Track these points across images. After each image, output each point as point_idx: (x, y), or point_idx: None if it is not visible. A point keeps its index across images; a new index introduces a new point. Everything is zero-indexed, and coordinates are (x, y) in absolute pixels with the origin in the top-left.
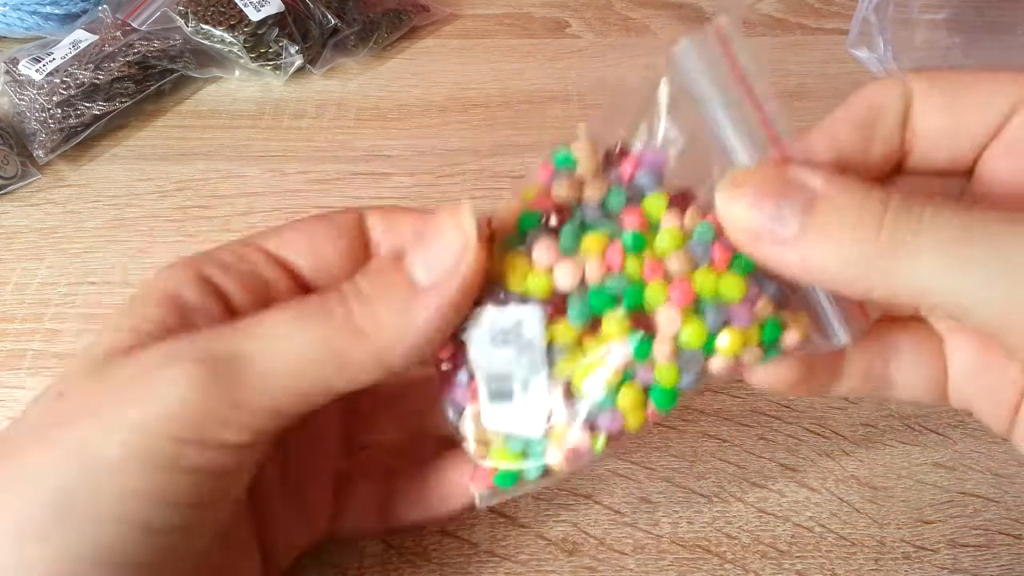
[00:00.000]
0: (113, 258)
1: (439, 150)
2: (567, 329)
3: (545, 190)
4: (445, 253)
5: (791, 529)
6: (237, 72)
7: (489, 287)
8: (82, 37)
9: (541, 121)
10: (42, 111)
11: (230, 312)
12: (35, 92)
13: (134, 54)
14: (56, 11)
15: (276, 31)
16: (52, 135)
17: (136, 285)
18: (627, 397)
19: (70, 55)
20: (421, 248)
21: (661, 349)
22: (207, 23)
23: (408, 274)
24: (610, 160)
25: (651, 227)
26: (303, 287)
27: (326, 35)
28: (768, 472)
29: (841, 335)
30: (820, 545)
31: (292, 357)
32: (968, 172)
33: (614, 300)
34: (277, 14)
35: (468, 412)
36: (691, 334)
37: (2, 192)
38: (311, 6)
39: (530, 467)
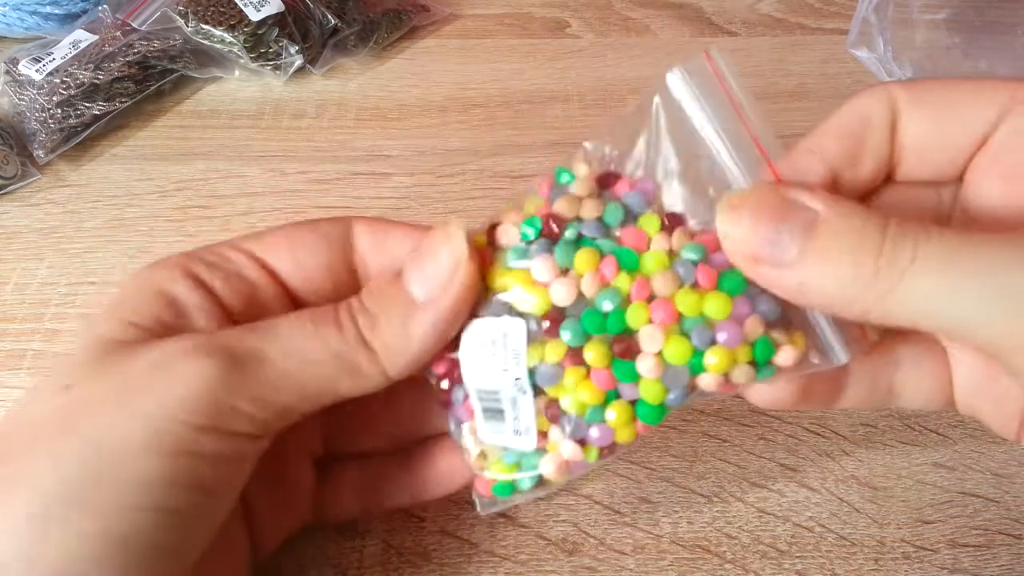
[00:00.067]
0: (113, 258)
1: (439, 150)
2: (558, 346)
3: (545, 204)
4: (439, 271)
5: (791, 529)
6: (237, 72)
7: (486, 300)
8: (82, 37)
9: (541, 121)
10: (42, 111)
11: (221, 309)
12: (35, 92)
13: (134, 54)
14: (56, 11)
15: (276, 31)
16: (52, 135)
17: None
18: (615, 413)
19: (70, 55)
20: (416, 266)
21: (645, 366)
22: (207, 23)
23: (406, 291)
24: (606, 181)
25: (647, 247)
26: (286, 290)
27: (326, 35)
28: (768, 472)
29: (840, 354)
30: (820, 545)
31: (307, 363)
32: (959, 179)
33: (604, 323)
34: (277, 14)
35: (465, 427)
36: (674, 352)
37: (2, 192)
38: (311, 6)
39: (525, 479)
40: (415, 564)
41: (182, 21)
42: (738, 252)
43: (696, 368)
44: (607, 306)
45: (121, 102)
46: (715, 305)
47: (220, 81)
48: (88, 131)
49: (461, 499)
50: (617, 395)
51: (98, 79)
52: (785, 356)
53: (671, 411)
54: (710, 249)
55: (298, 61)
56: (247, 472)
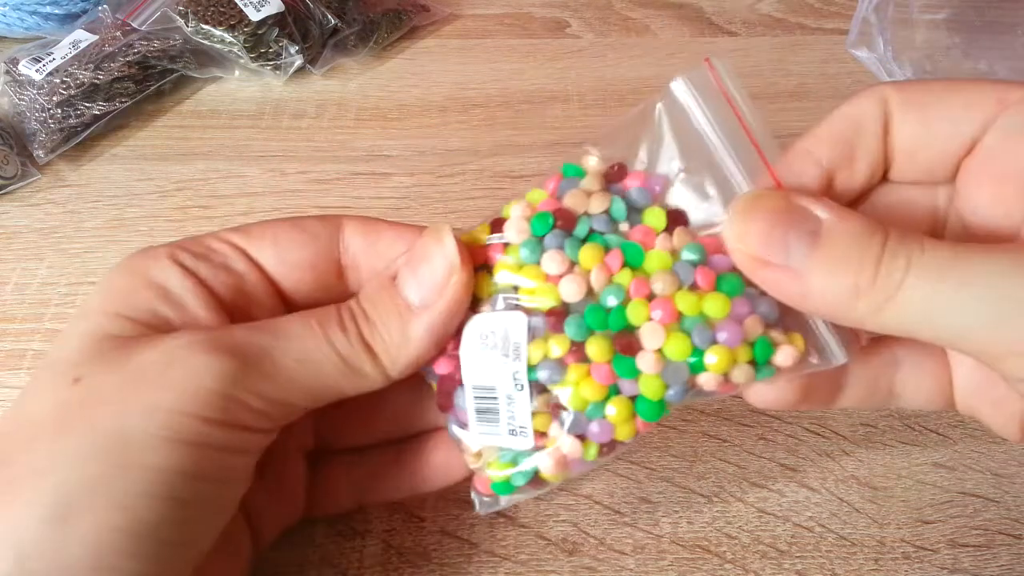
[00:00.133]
0: (113, 258)
1: (439, 150)
2: (562, 341)
3: (551, 199)
4: (433, 276)
5: (791, 529)
6: (237, 72)
7: (488, 295)
8: (82, 37)
9: (541, 121)
10: (42, 111)
11: (213, 297)
12: (35, 92)
13: (134, 54)
14: (56, 11)
15: (276, 31)
16: (52, 135)
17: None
18: (615, 409)
19: (70, 55)
20: (411, 271)
21: (645, 362)
22: (207, 23)
23: (402, 296)
24: (614, 176)
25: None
26: (271, 283)
27: (326, 35)
28: (768, 472)
29: (838, 354)
30: (820, 545)
31: (313, 363)
32: (952, 180)
33: (606, 319)
34: (277, 14)
35: (464, 427)
36: (674, 348)
37: (2, 192)
38: (311, 6)
39: (523, 475)
40: (415, 564)
41: (182, 21)
42: (745, 255)
43: (696, 367)
44: (611, 302)
45: (121, 102)
46: (714, 305)
47: (220, 81)
48: (88, 131)
49: (461, 499)
50: (617, 391)
51: (98, 79)
52: (784, 356)
53: (670, 409)
54: (710, 250)
55: (298, 61)
56: (253, 464)
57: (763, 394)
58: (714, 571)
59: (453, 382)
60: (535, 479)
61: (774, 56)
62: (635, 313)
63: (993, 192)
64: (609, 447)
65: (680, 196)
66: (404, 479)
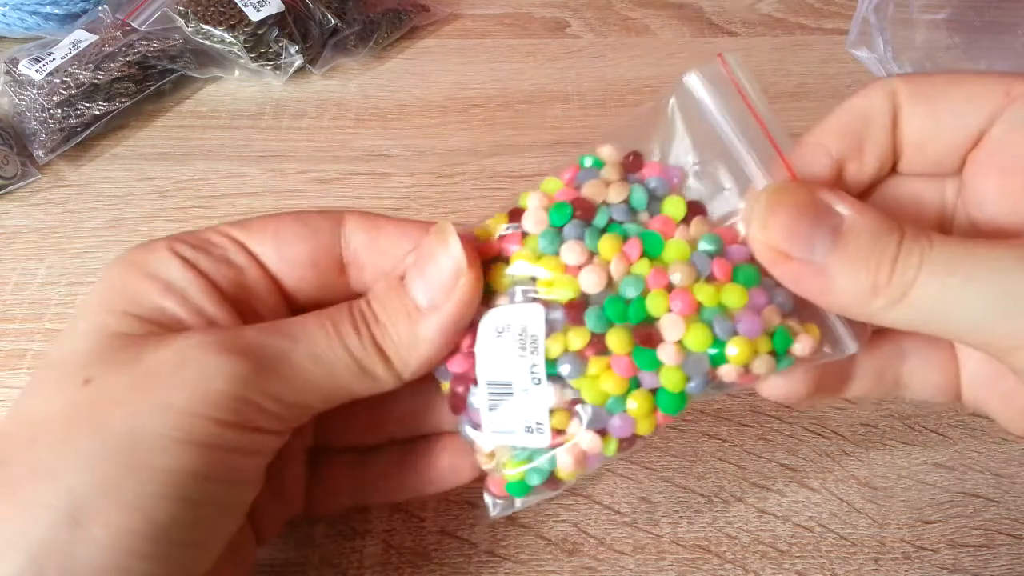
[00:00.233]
0: (113, 258)
1: (439, 150)
2: (582, 333)
3: (567, 188)
4: (441, 276)
5: (791, 529)
6: (237, 72)
7: (504, 289)
8: (82, 37)
9: (541, 121)
10: (42, 111)
11: (216, 290)
12: (35, 92)
13: (134, 54)
14: (56, 11)
15: (276, 31)
16: (52, 135)
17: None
18: (636, 403)
19: (70, 55)
20: (419, 272)
21: (666, 353)
22: (207, 23)
23: (410, 297)
24: (632, 166)
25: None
26: (272, 278)
27: (326, 35)
28: (768, 472)
29: (850, 344)
30: (820, 545)
31: (326, 365)
32: (959, 172)
33: (626, 311)
34: (277, 14)
35: (477, 427)
36: (695, 339)
37: (2, 192)
38: (311, 6)
39: (539, 473)
40: (415, 564)
41: (182, 21)
42: (766, 248)
43: (717, 359)
44: (630, 293)
45: (121, 102)
46: (733, 295)
47: (220, 81)
48: (88, 131)
49: (461, 499)
50: (638, 385)
51: (98, 79)
52: (803, 345)
53: (690, 401)
54: (725, 241)
55: (298, 61)
56: (264, 466)
57: (776, 387)
58: (714, 571)
59: (467, 381)
60: (551, 478)
61: (774, 56)
62: (654, 304)
63: (1000, 185)
64: (629, 442)
65: (695, 189)
66: (409, 480)
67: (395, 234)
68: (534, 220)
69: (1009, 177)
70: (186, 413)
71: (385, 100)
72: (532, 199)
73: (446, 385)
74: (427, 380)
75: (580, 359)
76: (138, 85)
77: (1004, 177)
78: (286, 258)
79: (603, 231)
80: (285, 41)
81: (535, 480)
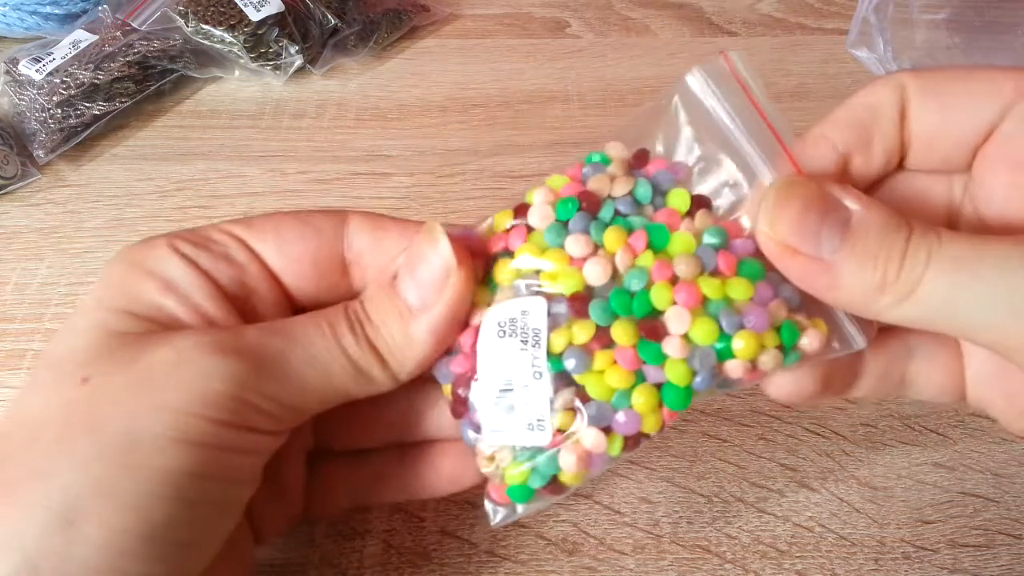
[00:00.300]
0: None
1: (439, 150)
2: (587, 327)
3: (572, 183)
4: (430, 277)
5: (791, 529)
6: (237, 72)
7: (507, 284)
8: (82, 37)
9: (541, 121)
10: (42, 111)
11: (217, 288)
12: (35, 92)
13: (134, 54)
14: (56, 11)
15: (276, 31)
16: (52, 135)
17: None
18: (641, 398)
19: (70, 55)
20: (409, 273)
21: (672, 346)
22: (207, 23)
23: (402, 298)
24: (633, 164)
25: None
26: (273, 276)
27: (326, 35)
28: (768, 472)
29: (858, 339)
30: (820, 545)
31: (323, 366)
32: (968, 168)
33: (631, 304)
34: (277, 14)
35: (475, 432)
36: (700, 332)
37: (2, 192)
38: (311, 6)
39: (540, 476)
40: (415, 564)
41: (182, 21)
42: (774, 242)
43: (723, 353)
44: (635, 285)
45: (121, 102)
46: (738, 288)
47: (220, 81)
48: (88, 131)
49: (461, 499)
50: (643, 379)
51: (98, 79)
52: (810, 340)
53: (696, 398)
54: (731, 235)
55: (298, 61)
56: (261, 466)
57: (783, 385)
58: (714, 571)
59: (468, 382)
60: (553, 482)
61: (774, 56)
62: (659, 297)
63: (1009, 180)
64: (633, 441)
65: (699, 184)
66: (409, 484)
67: (398, 235)
68: (539, 215)
69: (1019, 173)
70: (183, 413)
71: (385, 100)
72: (537, 194)
73: (447, 388)
74: (427, 384)
75: (586, 353)
76: (138, 85)
77: (1014, 173)
78: (288, 257)
79: (608, 224)
80: (285, 41)
81: (537, 482)
